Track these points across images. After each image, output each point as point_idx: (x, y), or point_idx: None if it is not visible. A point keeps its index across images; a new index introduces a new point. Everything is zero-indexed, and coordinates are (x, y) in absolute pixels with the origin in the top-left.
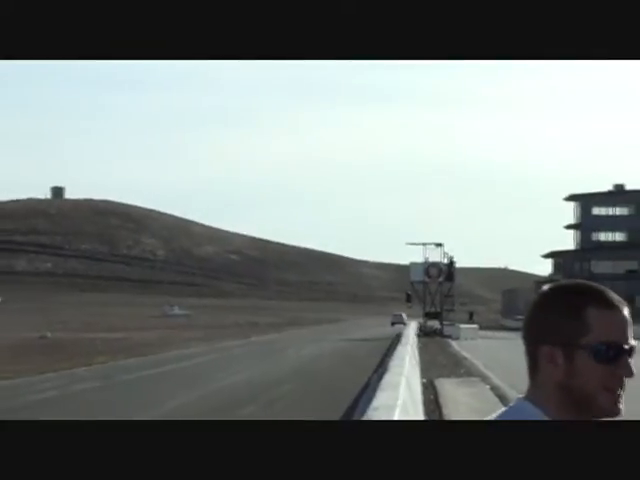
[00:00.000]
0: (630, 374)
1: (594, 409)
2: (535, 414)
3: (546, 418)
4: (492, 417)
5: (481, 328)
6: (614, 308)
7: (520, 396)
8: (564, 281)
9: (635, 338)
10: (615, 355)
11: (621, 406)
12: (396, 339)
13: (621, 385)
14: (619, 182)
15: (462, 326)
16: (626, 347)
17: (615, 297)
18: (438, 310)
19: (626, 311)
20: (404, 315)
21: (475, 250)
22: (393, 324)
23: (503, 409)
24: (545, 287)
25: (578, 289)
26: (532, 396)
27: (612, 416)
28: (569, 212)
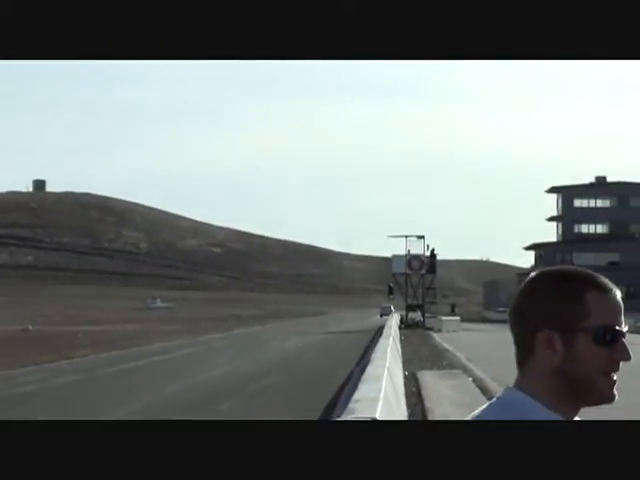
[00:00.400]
0: (628, 357)
1: (592, 394)
2: (527, 403)
3: (538, 405)
4: (482, 408)
5: (463, 320)
6: (610, 291)
7: (509, 386)
8: (552, 267)
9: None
10: (612, 339)
11: (616, 392)
12: (378, 331)
13: (617, 369)
14: (601, 174)
15: (444, 318)
16: (623, 330)
17: (608, 281)
18: (420, 302)
19: (619, 294)
20: (392, 307)
21: (457, 242)
22: (382, 315)
23: (493, 399)
24: (536, 273)
25: (574, 274)
26: (523, 385)
27: (608, 402)
28: (551, 204)
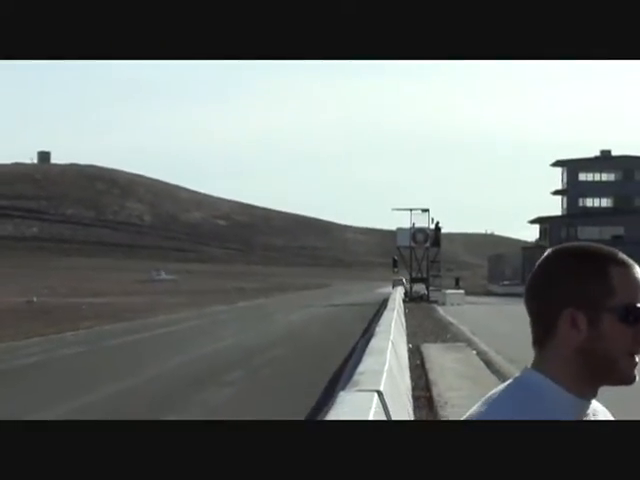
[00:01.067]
0: None
1: (614, 374)
2: (544, 385)
3: (556, 388)
4: (499, 388)
5: (467, 294)
6: (632, 267)
7: (527, 367)
8: (573, 244)
9: None
10: (637, 318)
11: (636, 373)
12: (383, 304)
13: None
14: (606, 148)
15: (448, 291)
16: None
17: (626, 257)
18: (424, 276)
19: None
20: (404, 280)
21: (461, 216)
22: (394, 287)
23: (510, 380)
24: (556, 248)
25: (597, 250)
26: (543, 365)
27: (628, 383)
28: (556, 178)
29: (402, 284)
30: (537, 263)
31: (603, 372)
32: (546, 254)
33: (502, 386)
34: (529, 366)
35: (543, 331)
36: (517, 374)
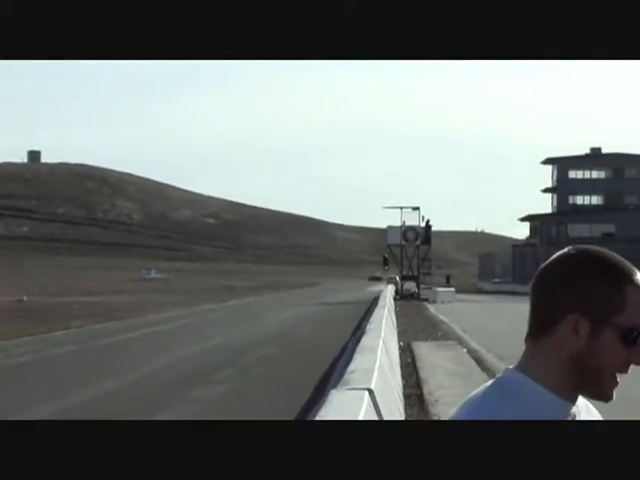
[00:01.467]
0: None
1: (597, 389)
2: (526, 386)
3: (540, 389)
4: (480, 389)
5: (458, 291)
6: None
7: (509, 367)
8: (593, 248)
9: None
10: (635, 341)
11: (615, 393)
12: (373, 302)
13: (626, 372)
14: (596, 145)
15: (439, 289)
16: None
17: None
18: (415, 274)
19: None
20: (397, 278)
21: (452, 214)
22: (387, 284)
23: (491, 381)
24: (576, 250)
25: (619, 263)
26: (528, 366)
27: (605, 400)
28: (546, 175)
29: (395, 282)
30: (555, 257)
31: (588, 383)
32: (567, 252)
33: (482, 387)
34: (510, 366)
35: (541, 327)
36: (499, 374)
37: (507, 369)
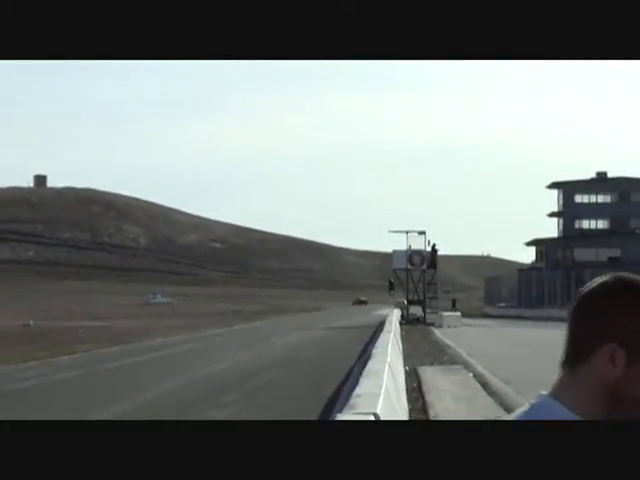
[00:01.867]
0: None
1: (633, 418)
2: (563, 413)
3: (575, 417)
4: (514, 414)
5: (464, 315)
6: None
7: (543, 392)
8: (632, 276)
9: None
10: None
11: None
12: (379, 327)
13: None
14: (602, 170)
15: (445, 314)
16: None
17: None
18: (421, 298)
19: None
20: (405, 301)
21: (458, 238)
22: (396, 308)
23: (525, 407)
24: (616, 278)
25: None
26: (563, 393)
27: None
28: (552, 200)
29: (404, 305)
30: (593, 285)
31: (624, 412)
32: (607, 280)
33: (517, 411)
34: (544, 392)
35: (577, 356)
36: (533, 400)
37: (540, 395)
